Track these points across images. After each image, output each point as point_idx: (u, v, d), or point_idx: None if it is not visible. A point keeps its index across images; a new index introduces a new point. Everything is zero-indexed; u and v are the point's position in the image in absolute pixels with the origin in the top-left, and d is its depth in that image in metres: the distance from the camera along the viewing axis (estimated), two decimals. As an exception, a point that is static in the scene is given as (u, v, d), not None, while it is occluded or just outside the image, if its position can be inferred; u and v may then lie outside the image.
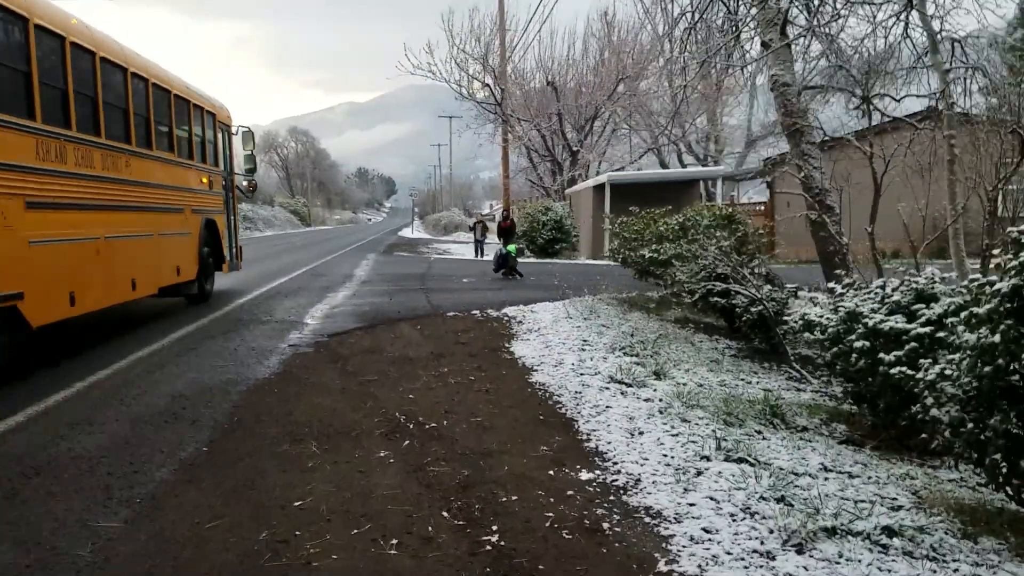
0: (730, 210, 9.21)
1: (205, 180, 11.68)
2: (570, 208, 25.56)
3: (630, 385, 6.36)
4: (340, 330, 8.90)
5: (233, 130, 13.15)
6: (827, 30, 10.03)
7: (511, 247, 16.31)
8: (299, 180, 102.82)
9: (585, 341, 8.32)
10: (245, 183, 14.39)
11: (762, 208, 25.18)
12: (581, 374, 6.80)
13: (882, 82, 9.59)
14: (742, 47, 10.79)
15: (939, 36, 10.74)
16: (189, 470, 4.26)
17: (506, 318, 10.03)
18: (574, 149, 29.79)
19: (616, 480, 4.17)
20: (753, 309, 7.90)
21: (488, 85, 28.08)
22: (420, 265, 20.82)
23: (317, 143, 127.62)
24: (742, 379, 7.09)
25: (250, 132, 13.48)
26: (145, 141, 9.27)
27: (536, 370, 6.98)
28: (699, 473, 4.27)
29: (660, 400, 5.90)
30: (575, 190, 27.57)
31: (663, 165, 36.69)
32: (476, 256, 25.46)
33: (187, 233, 10.71)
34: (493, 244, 35.17)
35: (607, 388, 6.28)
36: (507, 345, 8.22)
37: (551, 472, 4.30)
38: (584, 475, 4.25)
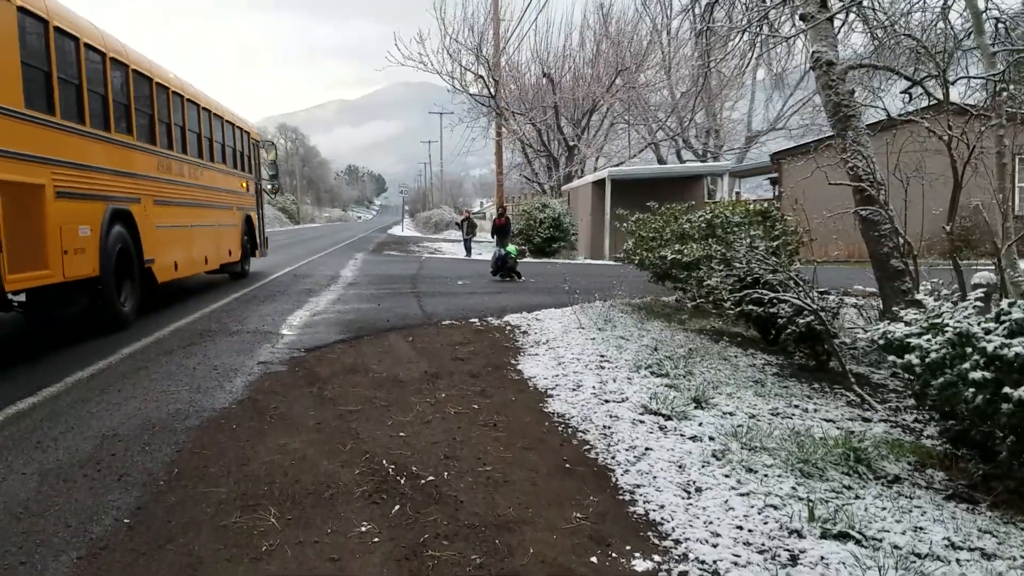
0: (764, 205, 8.08)
1: (244, 184, 14.96)
2: (568, 205, 24.41)
3: (669, 417, 5.23)
4: (320, 343, 7.74)
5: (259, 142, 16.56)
6: (870, 3, 8.93)
7: (511, 248, 15.17)
8: (288, 177, 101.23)
9: (603, 357, 7.19)
10: (269, 186, 17.67)
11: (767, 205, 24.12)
12: (606, 400, 5.67)
13: (931, 63, 8.50)
14: (771, 25, 9.64)
15: (984, 15, 9.69)
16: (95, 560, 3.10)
17: (509, 328, 8.89)
18: (571, 144, 28.64)
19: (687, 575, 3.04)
20: (801, 320, 6.78)
21: (482, 77, 26.89)
22: (411, 265, 19.62)
23: (307, 140, 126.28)
24: (796, 406, 5.97)
25: (272, 144, 17.40)
26: (210, 156, 12.61)
27: (551, 395, 5.84)
28: (794, 559, 3.15)
29: (711, 439, 4.77)
30: (572, 186, 26.44)
31: (661, 161, 35.59)
32: (466, 255, 24.37)
33: (234, 225, 14.05)
34: (484, 243, 34.11)
35: (641, 421, 5.15)
36: (513, 362, 7.07)
37: (593, 559, 3.16)
38: (640, 565, 3.12)
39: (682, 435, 4.88)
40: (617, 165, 29.37)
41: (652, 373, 6.60)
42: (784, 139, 37.53)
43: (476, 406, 5.48)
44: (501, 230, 21.90)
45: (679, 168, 24.81)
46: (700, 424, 5.14)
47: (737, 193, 24.96)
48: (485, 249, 29.47)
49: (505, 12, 30.98)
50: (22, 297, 7.27)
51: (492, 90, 26.51)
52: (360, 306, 10.60)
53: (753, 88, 37.22)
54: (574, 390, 6.02)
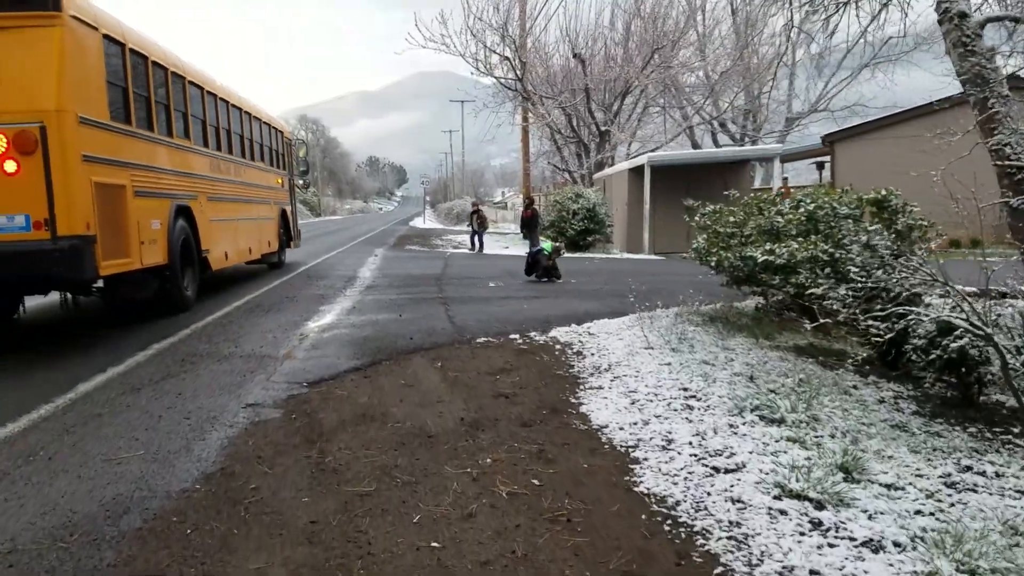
0: (883, 193, 6.41)
1: (279, 181, 16.03)
2: (603, 195, 22.68)
3: (820, 504, 3.60)
4: (327, 373, 6.19)
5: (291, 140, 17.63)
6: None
7: (545, 244, 13.43)
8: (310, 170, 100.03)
9: (688, 391, 5.58)
10: (300, 182, 18.79)
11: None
12: (715, 469, 4.07)
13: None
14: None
15: None
16: None
17: (558, 347, 7.29)
18: (602, 129, 26.83)
19: None
20: (953, 344, 5.11)
21: (507, 58, 25.13)
22: (435, 263, 18.03)
23: (327, 132, 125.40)
24: (969, 467, 4.33)
25: (303, 142, 18.86)
26: (251, 155, 13.73)
27: (637, 459, 4.24)
28: None
29: (897, 547, 3.17)
30: (606, 174, 24.69)
31: (695, 145, 33.72)
32: (472, 249, 22.24)
33: (272, 219, 15.17)
34: (503, 236, 32.39)
35: (782, 512, 3.53)
36: (574, 400, 5.47)
37: None
38: None
39: (851, 539, 3.26)
40: (652, 151, 27.57)
41: (762, 418, 4.97)
42: (826, 121, 35.54)
43: (537, 481, 3.89)
44: (529, 223, 20.15)
45: (726, 152, 22.95)
46: (868, 516, 3.51)
47: (785, 179, 23.07)
48: (492, 243, 27.82)
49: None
50: (100, 283, 8.08)
51: (519, 72, 24.79)
52: (378, 317, 9.05)
53: (792, 68, 35.21)
54: (665, 448, 4.42)
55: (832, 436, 4.78)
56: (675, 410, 5.22)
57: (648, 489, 3.81)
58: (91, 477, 3.91)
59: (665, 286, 11.59)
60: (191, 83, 10.45)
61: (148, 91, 8.80)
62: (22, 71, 6.70)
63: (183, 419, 4.90)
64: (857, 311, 5.67)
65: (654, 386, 5.79)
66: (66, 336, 8.42)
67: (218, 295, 11.40)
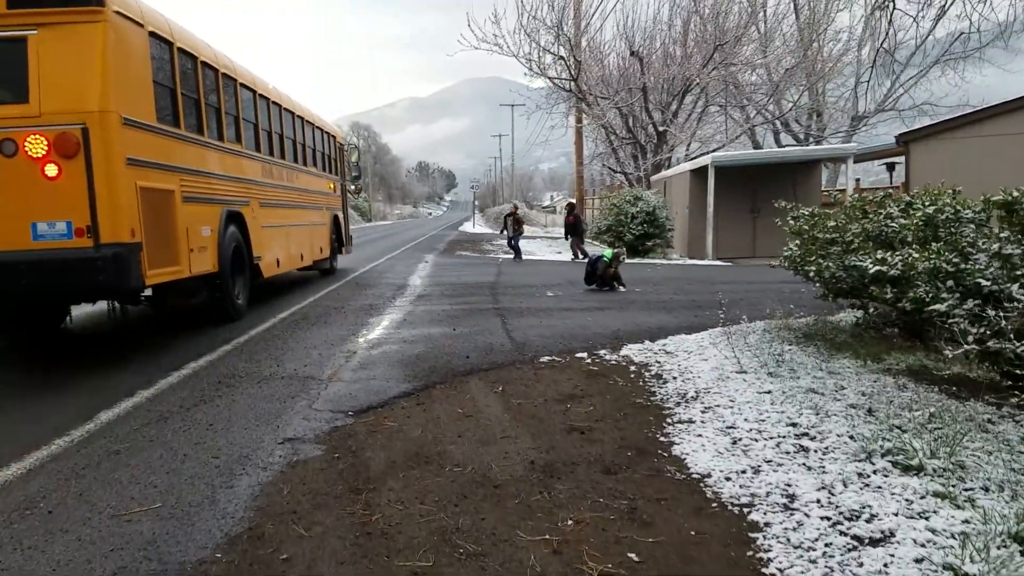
0: (1014, 194, 5.43)
1: (332, 186, 15.67)
2: (663, 197, 21.68)
3: (1019, 603, 2.73)
4: (375, 399, 5.49)
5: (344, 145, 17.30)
6: None
7: (606, 252, 12.56)
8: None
9: (796, 426, 4.72)
10: (352, 187, 18.48)
11: (893, 192, 20.88)
12: (856, 540, 3.22)
13: None
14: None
15: None
16: None
17: (633, 367, 6.47)
18: (660, 130, 25.81)
19: None
20: None
21: (562, 58, 24.32)
22: (487, 270, 17.32)
23: (379, 138, 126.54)
24: None
25: (356, 147, 18.43)
26: (303, 160, 13.34)
27: (756, 525, 3.40)
28: None
29: None
30: (665, 176, 23.67)
31: (756, 146, 32.40)
32: (514, 258, 20.51)
33: (324, 224, 14.77)
34: (556, 241, 31.44)
35: (970, 614, 2.66)
36: (662, 437, 4.65)
37: None
38: None
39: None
40: (712, 151, 26.44)
41: (895, 464, 4.08)
42: (893, 121, 33.86)
43: (635, 556, 3.09)
44: (573, 228, 19.51)
45: (796, 152, 21.71)
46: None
47: (857, 180, 21.76)
48: (563, 248, 27.01)
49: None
50: (148, 291, 7.71)
51: (573, 72, 23.95)
52: (431, 331, 8.35)
53: (858, 66, 33.61)
54: (788, 508, 3.57)
55: (986, 489, 3.87)
56: (787, 453, 4.36)
57: (781, 571, 2.98)
58: (94, 540, 3.25)
59: (741, 296, 10.65)
60: (243, 85, 10.14)
61: (198, 93, 8.46)
62: (63, 70, 6.26)
63: (211, 458, 4.23)
64: (1007, 337, 4.72)
65: (756, 420, 4.93)
66: (105, 349, 7.94)
67: (266, 303, 10.91)
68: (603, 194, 29.20)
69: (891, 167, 28.87)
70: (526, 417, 5.04)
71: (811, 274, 6.64)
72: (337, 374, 6.32)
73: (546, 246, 29.39)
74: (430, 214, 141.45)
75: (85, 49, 6.29)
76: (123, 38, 6.65)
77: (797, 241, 7.10)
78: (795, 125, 32.50)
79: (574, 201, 22.79)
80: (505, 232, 21.61)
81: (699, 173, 19.98)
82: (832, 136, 32.69)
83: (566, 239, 19.72)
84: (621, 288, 12.16)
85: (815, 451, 4.34)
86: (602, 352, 7.05)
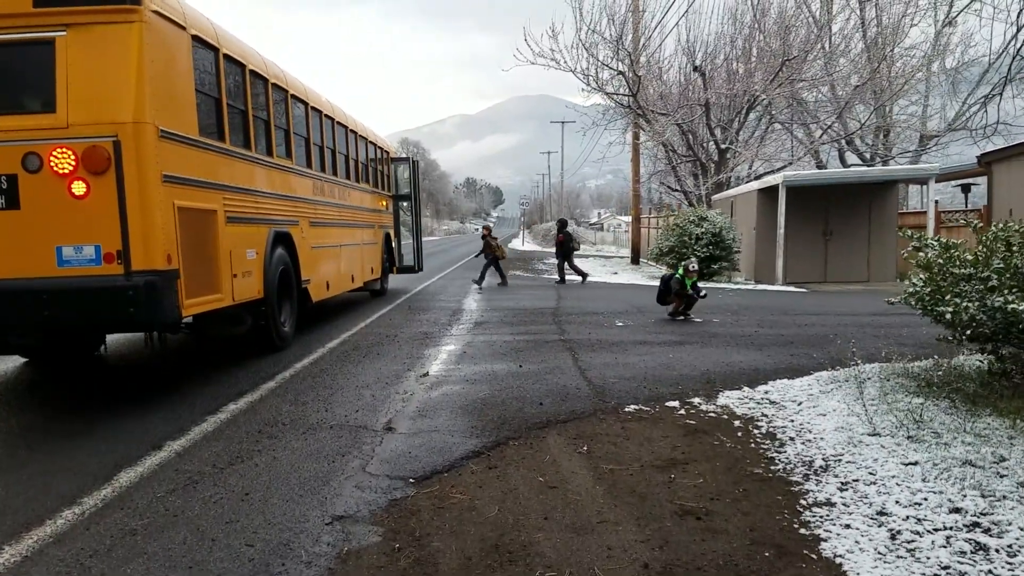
0: None
1: (383, 203, 15.00)
2: (732, 218, 20.56)
3: None
4: (439, 460, 4.65)
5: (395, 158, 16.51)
6: None
7: (681, 273, 11.27)
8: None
9: (962, 513, 3.75)
10: (405, 203, 16.87)
11: (975, 216, 19.42)
12: None
13: None
14: None
15: None
16: None
17: (737, 422, 5.50)
18: (722, 147, 24.70)
19: None
20: None
21: (622, 73, 23.42)
22: (546, 294, 16.41)
23: (428, 155, 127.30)
24: None
25: (407, 160, 17.01)
26: (355, 176, 12.69)
27: None
28: None
29: None
30: (730, 195, 22.53)
31: (819, 166, 31.02)
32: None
33: (375, 243, 14.12)
34: (610, 260, 30.38)
35: None
36: (802, 529, 3.68)
37: None
38: None
39: None
40: (776, 170, 25.21)
41: None
42: (965, 141, 32.17)
43: None
44: (562, 247, 18.55)
45: (874, 172, 20.41)
46: None
47: (936, 202, 20.32)
48: (618, 268, 25.98)
49: (647, 1, 27.43)
50: (190, 318, 6.87)
51: (633, 87, 23.05)
52: (494, 367, 7.49)
53: (928, 83, 32.02)
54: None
55: None
56: (963, 554, 3.39)
57: None
58: None
59: (834, 330, 9.57)
60: (294, 97, 9.53)
61: (245, 104, 7.84)
62: (94, 76, 5.61)
63: (244, 547, 3.42)
64: None
65: (910, 504, 3.95)
66: (139, 384, 7.28)
67: (313, 329, 10.25)
68: (665, 213, 28.07)
69: (966, 188, 27.23)
70: (623, 491, 4.14)
71: (947, 315, 5.60)
72: (393, 423, 5.50)
73: (600, 266, 28.43)
74: (476, 230, 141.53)
75: (118, 53, 5.63)
76: (161, 41, 6.00)
77: (923, 276, 6.06)
78: (861, 144, 31.03)
79: (565, 218, 21.68)
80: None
81: (767, 192, 18.85)
82: (900, 156, 31.14)
83: (556, 259, 18.77)
84: (699, 296, 11.06)
85: (997, 551, 3.37)
86: (695, 400, 6.10)
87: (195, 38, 6.68)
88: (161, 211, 5.81)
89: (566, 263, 19.04)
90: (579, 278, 18.96)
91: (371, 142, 14.15)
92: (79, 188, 5.54)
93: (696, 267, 11.15)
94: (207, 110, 6.96)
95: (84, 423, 5.67)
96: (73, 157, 5.51)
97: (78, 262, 5.59)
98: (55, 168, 5.47)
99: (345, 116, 12.20)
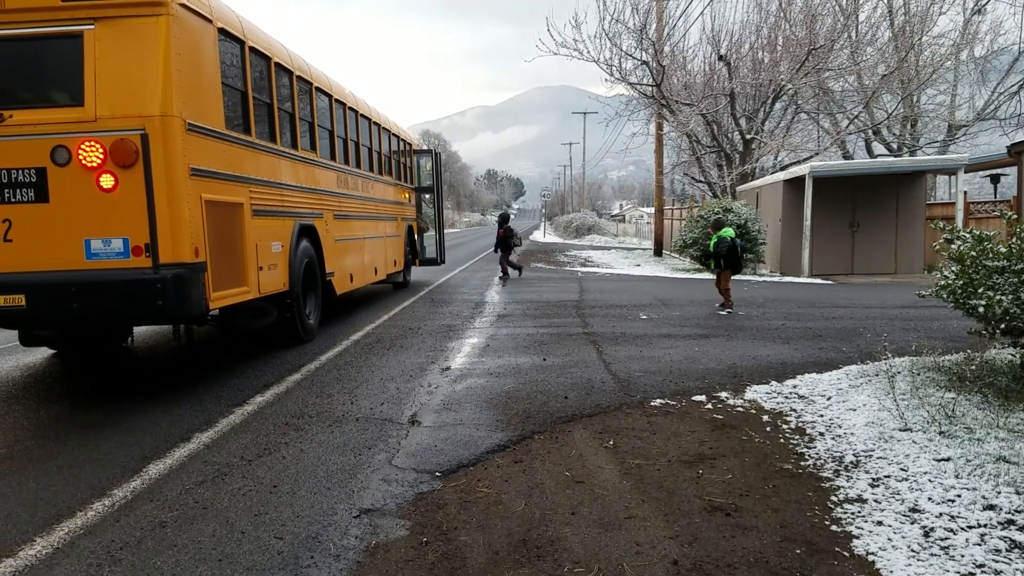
0: None
1: (406, 195, 14.95)
2: (757, 209, 20.34)
3: None
4: (465, 454, 4.64)
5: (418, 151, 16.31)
6: None
7: (727, 232, 11.26)
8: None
9: (997, 510, 3.69)
10: (427, 196, 16.75)
11: (1007, 206, 19.04)
12: None
13: None
14: None
15: None
16: None
17: (765, 417, 5.45)
18: (747, 138, 24.43)
19: None
20: None
21: (646, 63, 23.23)
22: (568, 286, 16.38)
23: (448, 146, 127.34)
24: None
25: (430, 153, 16.83)
26: (379, 168, 12.73)
27: None
28: None
29: None
30: (754, 186, 22.30)
31: (846, 156, 30.59)
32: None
33: (398, 235, 14.07)
34: (632, 252, 30.21)
35: None
36: (834, 526, 3.63)
37: None
38: None
39: None
40: (801, 161, 24.88)
41: None
42: (993, 131, 31.57)
43: None
44: (503, 242, 17.22)
45: (903, 163, 20.06)
46: None
47: (965, 193, 19.96)
48: (641, 260, 25.83)
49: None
50: (216, 311, 6.96)
51: (657, 77, 22.85)
52: (518, 361, 7.48)
53: (956, 72, 31.42)
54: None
55: None
56: (999, 552, 3.33)
57: None
58: None
59: (862, 323, 9.44)
60: (319, 90, 9.54)
61: (271, 97, 7.86)
62: (122, 70, 5.65)
63: (273, 539, 3.44)
64: None
65: (943, 501, 3.88)
66: (166, 376, 7.34)
67: (337, 321, 10.30)
68: (689, 204, 27.84)
69: (995, 179, 26.70)
70: (651, 486, 4.11)
71: (980, 308, 5.49)
72: (418, 416, 5.50)
73: (622, 258, 28.31)
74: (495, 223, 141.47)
75: (146, 46, 5.65)
76: (188, 34, 6.01)
77: (955, 268, 5.95)
78: (888, 134, 30.55)
79: (508, 212, 20.55)
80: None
81: (794, 183, 18.63)
82: (928, 146, 30.63)
83: (495, 252, 17.58)
84: (730, 310, 11.03)
85: (1047, 558, 3.28)
86: (723, 395, 6.04)
87: (221, 31, 6.67)
88: (188, 204, 5.83)
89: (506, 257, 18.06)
90: (516, 272, 18.13)
91: (394, 134, 14.13)
92: (107, 181, 5.58)
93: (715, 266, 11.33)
94: (233, 103, 6.96)
95: (112, 415, 5.73)
96: (101, 150, 5.55)
97: (107, 255, 5.64)
98: (83, 161, 5.52)
99: (369, 108, 12.23)
